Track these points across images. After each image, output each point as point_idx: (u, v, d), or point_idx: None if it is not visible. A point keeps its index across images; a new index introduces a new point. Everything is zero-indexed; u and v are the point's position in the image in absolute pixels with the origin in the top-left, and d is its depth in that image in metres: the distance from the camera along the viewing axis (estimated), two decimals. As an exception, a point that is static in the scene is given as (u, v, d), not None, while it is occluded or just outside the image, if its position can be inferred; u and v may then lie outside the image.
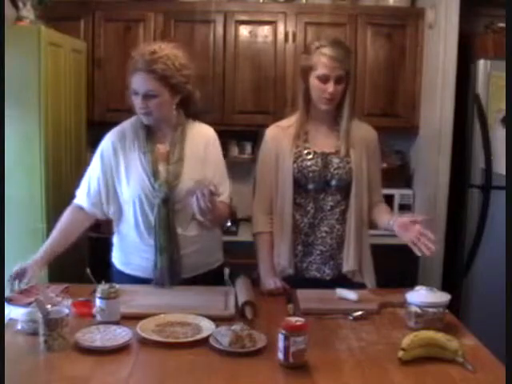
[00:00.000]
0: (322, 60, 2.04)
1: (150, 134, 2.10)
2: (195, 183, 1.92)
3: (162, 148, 2.09)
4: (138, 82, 1.99)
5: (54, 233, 2.12)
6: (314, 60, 2.06)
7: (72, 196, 2.17)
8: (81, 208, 2.14)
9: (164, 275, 2.06)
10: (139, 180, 2.05)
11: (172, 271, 2.06)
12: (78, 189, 2.17)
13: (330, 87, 2.05)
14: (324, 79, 2.05)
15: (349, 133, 2.14)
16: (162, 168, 2.06)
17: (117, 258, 2.20)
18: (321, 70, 2.05)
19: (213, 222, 2.09)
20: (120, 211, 2.13)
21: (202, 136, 2.16)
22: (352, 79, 2.15)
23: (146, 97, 1.99)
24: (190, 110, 2.15)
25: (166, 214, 2.04)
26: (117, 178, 2.09)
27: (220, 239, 2.29)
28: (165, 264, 2.05)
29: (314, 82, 2.08)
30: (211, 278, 2.17)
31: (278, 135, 2.20)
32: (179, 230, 2.07)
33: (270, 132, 2.24)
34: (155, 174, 2.04)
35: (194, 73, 2.11)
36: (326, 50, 2.04)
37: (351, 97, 2.14)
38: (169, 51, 2.03)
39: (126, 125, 2.16)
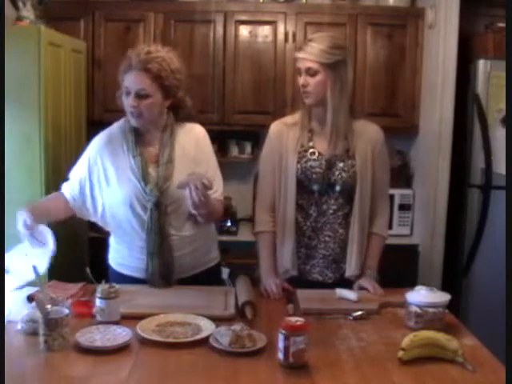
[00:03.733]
0: (296, 55, 2.10)
1: (138, 136, 2.08)
2: (188, 176, 1.90)
3: (152, 151, 2.07)
4: (132, 81, 1.97)
5: (44, 201, 2.25)
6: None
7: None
8: (65, 199, 2.14)
9: (156, 279, 2.05)
10: (130, 183, 2.03)
11: (163, 275, 2.06)
12: (65, 182, 2.16)
13: (301, 79, 2.07)
14: (299, 73, 2.09)
15: (339, 129, 2.09)
16: (152, 171, 2.04)
17: (113, 260, 2.19)
18: (296, 65, 2.10)
19: (206, 218, 2.05)
20: (107, 215, 2.10)
21: (191, 135, 2.13)
22: (336, 73, 2.04)
23: (138, 96, 1.96)
24: (180, 115, 2.13)
25: (158, 217, 2.02)
26: (105, 182, 2.07)
27: (215, 238, 2.28)
28: (156, 268, 2.05)
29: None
30: (208, 277, 2.16)
31: (283, 132, 2.18)
32: (173, 231, 2.06)
33: (275, 128, 2.22)
34: (145, 178, 2.02)
35: (186, 79, 2.08)
36: (302, 46, 2.08)
37: (335, 91, 2.05)
38: (164, 54, 2.01)
39: (114, 128, 2.14)
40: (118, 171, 2.05)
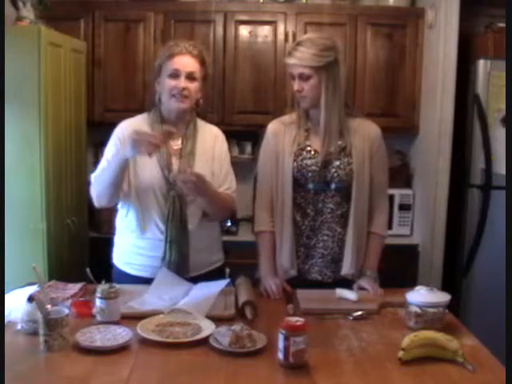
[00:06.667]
0: (286, 61, 2.11)
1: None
2: (176, 175, 2.00)
3: (175, 145, 2.13)
4: (183, 63, 2.05)
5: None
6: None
7: (72, 195, 2.16)
8: None
9: (172, 269, 2.06)
10: (152, 173, 2.08)
11: (180, 265, 2.08)
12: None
13: (295, 84, 2.08)
14: (292, 78, 2.10)
15: (332, 127, 2.09)
16: (175, 162, 2.10)
17: (118, 259, 2.20)
18: (288, 70, 2.11)
19: (216, 211, 2.14)
20: (125, 203, 2.14)
21: (211, 133, 2.23)
22: (329, 74, 2.04)
23: (188, 78, 2.05)
24: (197, 109, 2.20)
25: (180, 206, 2.08)
26: (132, 166, 2.09)
27: (220, 239, 2.32)
28: (174, 258, 2.08)
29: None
30: (213, 278, 2.16)
31: (280, 131, 2.19)
32: (189, 225, 2.11)
33: (272, 127, 2.23)
34: (169, 167, 2.08)
35: None
36: (292, 51, 2.08)
37: (329, 91, 2.05)
38: (203, 48, 2.14)
39: (138, 119, 2.19)
40: (141, 159, 2.08)
